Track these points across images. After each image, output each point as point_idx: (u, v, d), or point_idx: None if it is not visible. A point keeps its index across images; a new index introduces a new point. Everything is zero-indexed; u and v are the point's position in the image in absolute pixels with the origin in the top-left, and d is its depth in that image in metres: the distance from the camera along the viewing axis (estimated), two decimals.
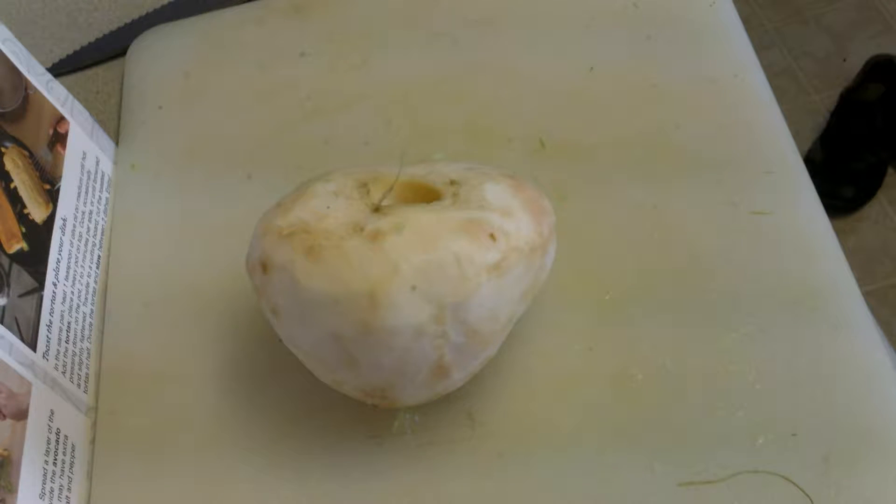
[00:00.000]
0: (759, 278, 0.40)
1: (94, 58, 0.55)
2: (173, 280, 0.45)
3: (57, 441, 0.39)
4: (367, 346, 0.31)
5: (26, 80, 0.43)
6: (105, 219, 0.47)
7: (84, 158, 0.47)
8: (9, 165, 0.40)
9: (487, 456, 0.37)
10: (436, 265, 0.31)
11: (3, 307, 0.37)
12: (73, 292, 0.43)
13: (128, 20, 0.57)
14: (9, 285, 0.38)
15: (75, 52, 0.55)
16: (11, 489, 0.35)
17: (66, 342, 0.41)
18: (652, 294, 0.40)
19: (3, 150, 0.40)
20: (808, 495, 0.35)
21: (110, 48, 0.55)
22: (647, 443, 0.37)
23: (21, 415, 0.36)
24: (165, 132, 0.51)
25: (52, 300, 0.41)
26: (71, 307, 0.42)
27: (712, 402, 0.37)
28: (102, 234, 0.47)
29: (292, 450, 0.39)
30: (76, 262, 0.44)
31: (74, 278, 0.43)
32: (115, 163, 0.50)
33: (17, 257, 0.39)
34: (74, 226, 0.44)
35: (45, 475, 0.37)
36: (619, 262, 0.41)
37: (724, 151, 0.44)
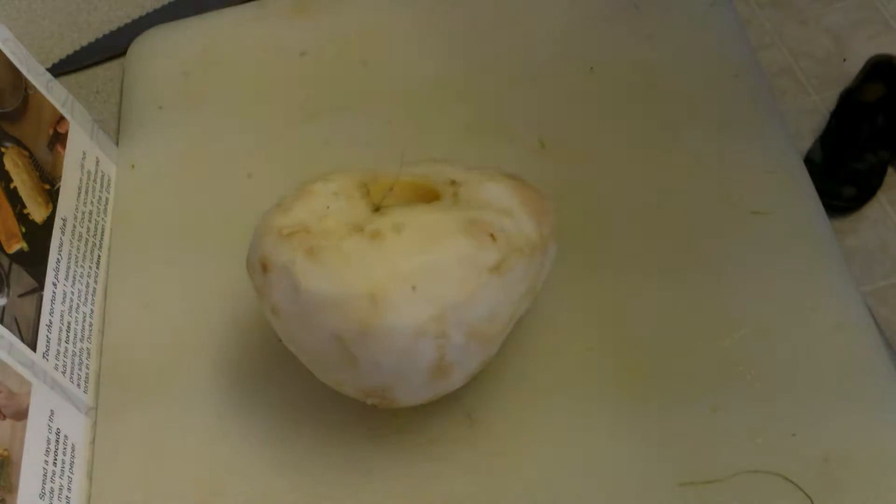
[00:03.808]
0: (759, 278, 0.40)
1: (94, 58, 0.55)
2: (173, 280, 0.45)
3: (57, 441, 0.38)
4: (367, 346, 0.31)
5: (26, 80, 0.43)
6: (105, 219, 0.47)
7: (84, 158, 0.47)
8: (9, 165, 0.40)
9: (486, 455, 0.37)
10: (436, 265, 0.31)
11: (3, 307, 0.37)
12: (73, 292, 0.43)
13: (128, 20, 0.57)
14: (9, 285, 0.38)
15: (75, 52, 0.55)
16: (11, 489, 0.35)
17: (66, 342, 0.41)
18: (651, 294, 0.40)
19: (3, 150, 0.40)
20: (808, 495, 0.35)
21: (110, 48, 0.55)
22: (647, 443, 0.37)
23: (21, 415, 0.36)
24: (165, 132, 0.51)
25: (52, 300, 0.41)
26: (71, 307, 0.42)
27: (712, 402, 0.37)
28: (102, 234, 0.47)
29: (292, 450, 0.39)
30: (76, 262, 0.44)
31: (74, 278, 0.43)
32: (115, 163, 0.50)
33: (17, 257, 0.39)
34: (74, 226, 0.44)
35: (45, 475, 0.37)
36: (619, 263, 0.41)
37: (724, 151, 0.44)
